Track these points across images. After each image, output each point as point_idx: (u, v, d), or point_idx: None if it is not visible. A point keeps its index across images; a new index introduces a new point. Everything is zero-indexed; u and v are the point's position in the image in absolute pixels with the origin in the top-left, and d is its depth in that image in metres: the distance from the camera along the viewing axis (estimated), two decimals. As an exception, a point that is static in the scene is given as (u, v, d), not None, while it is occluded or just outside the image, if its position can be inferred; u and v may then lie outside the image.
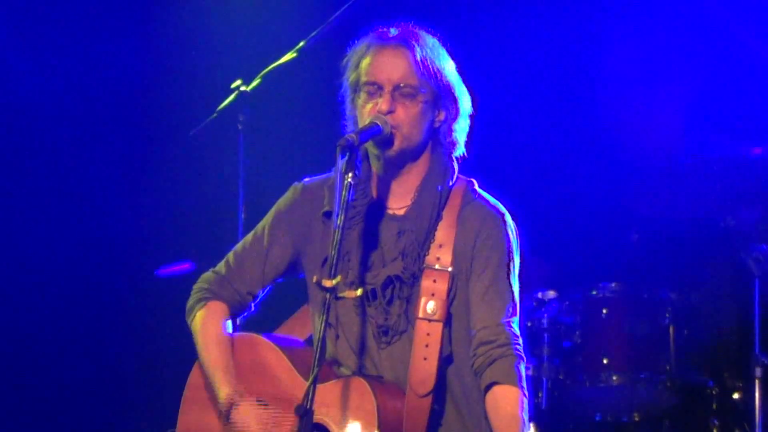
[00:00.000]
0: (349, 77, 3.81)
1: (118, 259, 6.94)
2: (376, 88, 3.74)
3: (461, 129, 3.86)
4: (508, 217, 3.83)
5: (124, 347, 6.95)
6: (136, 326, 6.94)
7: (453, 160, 3.86)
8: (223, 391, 3.79)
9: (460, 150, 3.87)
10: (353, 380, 3.67)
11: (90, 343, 6.88)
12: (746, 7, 7.11)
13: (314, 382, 3.36)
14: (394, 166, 3.81)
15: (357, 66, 3.79)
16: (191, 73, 6.80)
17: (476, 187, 3.88)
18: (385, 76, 3.73)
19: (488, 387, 3.64)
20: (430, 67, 3.76)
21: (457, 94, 3.83)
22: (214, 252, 6.07)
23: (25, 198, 6.80)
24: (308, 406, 3.34)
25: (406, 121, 3.72)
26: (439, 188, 3.79)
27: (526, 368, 3.72)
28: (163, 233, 6.94)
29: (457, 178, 3.86)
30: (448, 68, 3.82)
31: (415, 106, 3.74)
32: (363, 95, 3.77)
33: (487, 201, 3.85)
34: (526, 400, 3.63)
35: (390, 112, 3.71)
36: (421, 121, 3.76)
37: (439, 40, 3.86)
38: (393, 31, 3.81)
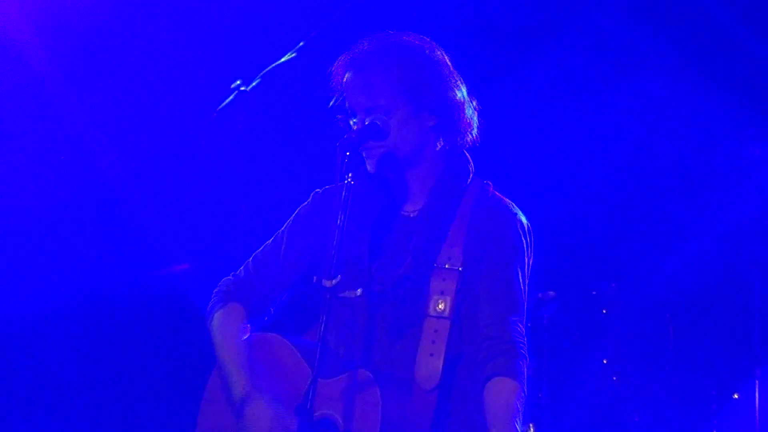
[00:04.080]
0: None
1: (118, 259, 6.94)
2: (353, 113, 3.77)
3: (465, 117, 3.82)
4: (522, 218, 3.82)
5: (123, 348, 6.94)
6: (136, 326, 6.94)
7: (468, 160, 3.85)
8: (237, 388, 3.80)
9: (470, 138, 3.83)
10: (360, 374, 3.68)
11: (89, 344, 6.87)
12: (745, 7, 7.12)
13: (314, 382, 3.38)
14: (400, 169, 3.81)
15: (337, 89, 3.82)
16: (191, 73, 6.80)
17: (491, 189, 3.87)
18: (355, 101, 3.75)
19: (487, 379, 3.65)
20: (404, 76, 3.72)
21: (447, 89, 3.78)
22: (214, 252, 6.08)
23: (23, 198, 6.80)
24: (308, 406, 3.35)
25: (388, 136, 3.74)
26: (453, 190, 3.80)
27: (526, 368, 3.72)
28: (163, 233, 6.94)
29: (473, 179, 3.86)
30: (429, 70, 3.76)
31: (393, 122, 3.72)
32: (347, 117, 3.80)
33: (500, 201, 3.84)
34: (524, 395, 3.63)
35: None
36: (405, 132, 3.74)
37: (423, 41, 3.82)
38: (364, 48, 3.78)
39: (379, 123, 3.71)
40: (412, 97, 3.72)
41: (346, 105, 3.78)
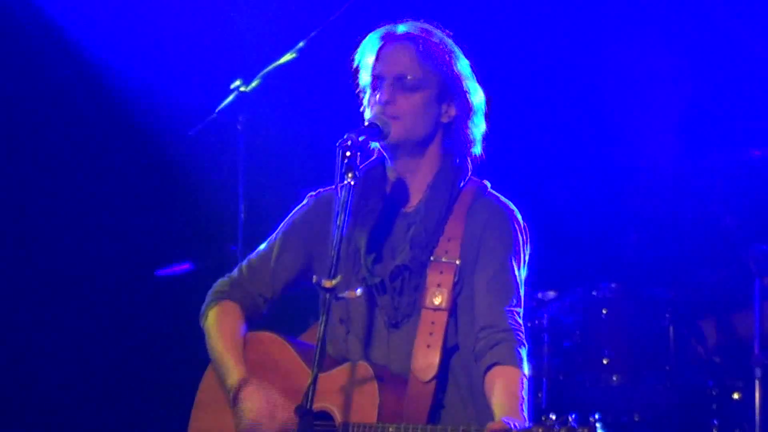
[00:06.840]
0: (362, 79, 3.85)
1: (118, 259, 6.94)
2: (379, 81, 3.79)
3: (475, 127, 3.87)
4: (518, 215, 3.88)
5: (124, 348, 6.94)
6: (136, 326, 6.94)
7: (467, 160, 3.88)
8: (232, 376, 3.82)
9: (476, 149, 3.89)
10: (357, 365, 3.72)
11: (89, 344, 6.87)
12: (745, 7, 7.12)
13: (314, 383, 3.37)
14: (404, 161, 3.83)
15: (366, 66, 3.84)
16: (191, 73, 6.80)
17: (488, 187, 3.91)
18: (386, 69, 3.79)
19: (488, 368, 3.67)
20: (436, 60, 3.80)
21: (469, 90, 3.85)
22: (214, 252, 6.08)
23: (24, 198, 6.80)
24: (308, 407, 3.35)
25: (407, 111, 3.77)
26: (450, 188, 3.82)
27: (526, 368, 3.72)
28: (163, 233, 6.95)
29: (470, 178, 3.89)
30: (459, 64, 3.86)
31: (417, 98, 3.77)
32: (370, 92, 3.81)
33: (497, 198, 3.91)
34: (526, 381, 3.65)
35: (388, 102, 3.75)
36: (423, 114, 3.80)
37: (451, 38, 3.89)
38: (400, 28, 3.86)
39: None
40: (441, 81, 3.80)
41: (374, 75, 3.81)
